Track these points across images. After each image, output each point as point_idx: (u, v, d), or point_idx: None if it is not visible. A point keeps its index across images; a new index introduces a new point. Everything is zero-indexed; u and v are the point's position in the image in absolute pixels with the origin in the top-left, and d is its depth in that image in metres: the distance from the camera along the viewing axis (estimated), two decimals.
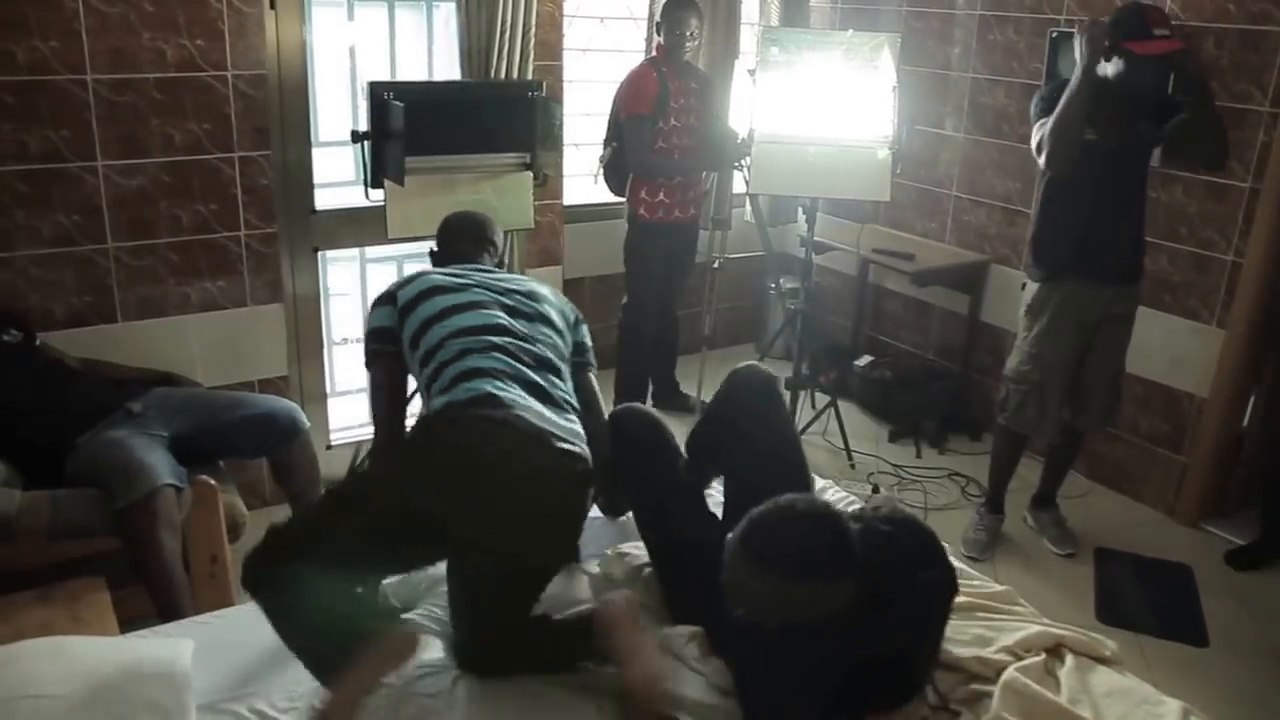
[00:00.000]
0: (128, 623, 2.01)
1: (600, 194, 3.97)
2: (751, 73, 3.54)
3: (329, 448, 3.48)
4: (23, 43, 2.60)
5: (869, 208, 4.43)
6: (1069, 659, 1.88)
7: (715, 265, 4.02)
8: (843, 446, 3.88)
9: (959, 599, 2.03)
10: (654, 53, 3.84)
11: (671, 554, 1.96)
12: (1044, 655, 1.88)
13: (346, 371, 3.79)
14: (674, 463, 2.08)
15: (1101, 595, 3.06)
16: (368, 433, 3.58)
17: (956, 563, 2.21)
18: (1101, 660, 1.90)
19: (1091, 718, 1.72)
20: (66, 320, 2.82)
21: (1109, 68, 2.80)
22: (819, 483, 2.40)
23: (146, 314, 2.94)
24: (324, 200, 3.33)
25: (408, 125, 2.78)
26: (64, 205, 2.75)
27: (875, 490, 3.59)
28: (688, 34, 3.64)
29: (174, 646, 1.72)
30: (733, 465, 2.06)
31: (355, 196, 3.22)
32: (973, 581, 2.12)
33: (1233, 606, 3.03)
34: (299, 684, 1.72)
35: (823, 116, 3.49)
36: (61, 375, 2.54)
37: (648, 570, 2.03)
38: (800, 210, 4.22)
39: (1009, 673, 1.80)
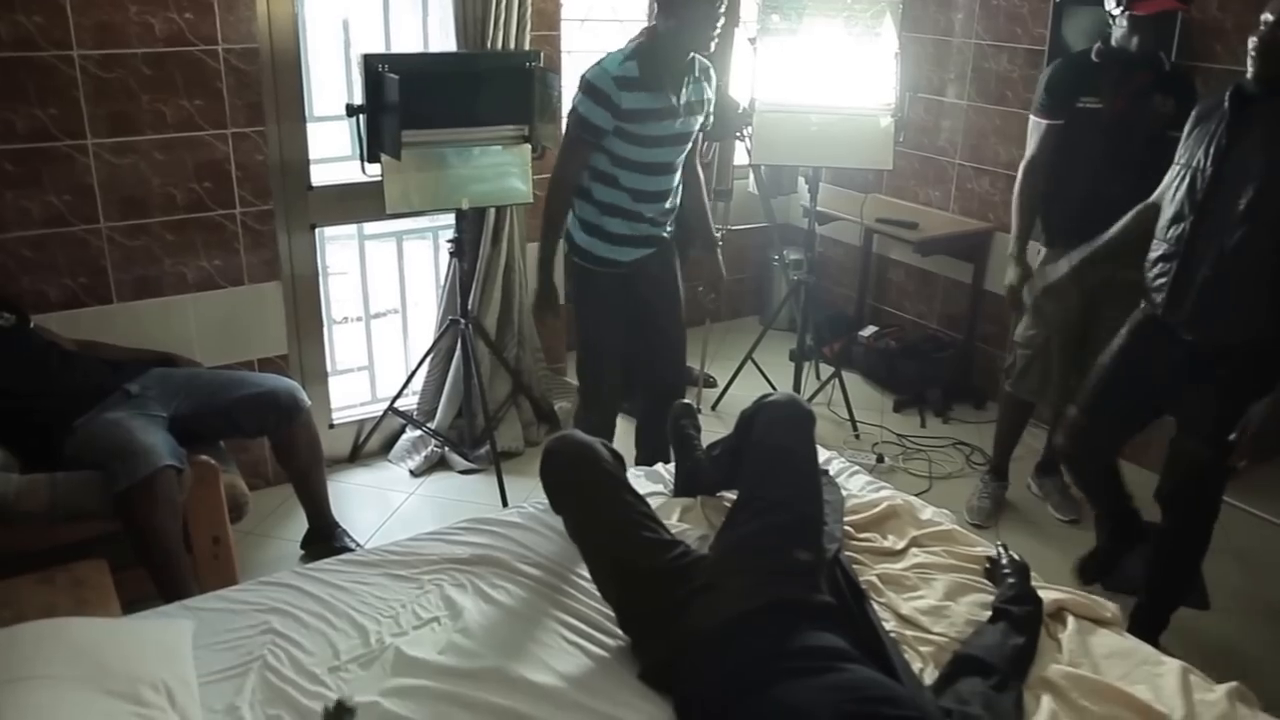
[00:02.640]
0: (131, 604, 2.00)
1: None
2: (752, 41, 3.49)
3: (331, 427, 3.46)
4: (5, 18, 2.54)
5: (872, 177, 4.39)
6: (1070, 622, 1.88)
7: (719, 241, 3.97)
8: (847, 417, 3.86)
9: (946, 560, 2.06)
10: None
11: (620, 578, 1.84)
12: (1045, 619, 1.88)
13: (347, 350, 3.77)
14: (613, 489, 1.92)
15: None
16: (369, 411, 3.59)
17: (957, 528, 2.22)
18: (1102, 623, 1.89)
19: (1092, 675, 1.72)
20: (61, 302, 2.79)
21: (1116, 32, 2.75)
22: (823, 454, 2.37)
23: (142, 294, 2.91)
24: (320, 176, 3.28)
25: (403, 98, 2.74)
26: (54, 185, 2.71)
27: (880, 460, 3.58)
28: None
29: (176, 626, 1.71)
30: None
31: (352, 172, 3.18)
32: (973, 548, 2.11)
33: (1234, 570, 3.02)
34: (302, 658, 1.71)
35: (824, 85, 3.45)
36: (57, 358, 2.50)
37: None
38: (802, 180, 4.18)
39: None
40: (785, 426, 2.01)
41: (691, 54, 2.62)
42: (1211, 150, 2.28)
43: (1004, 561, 2.00)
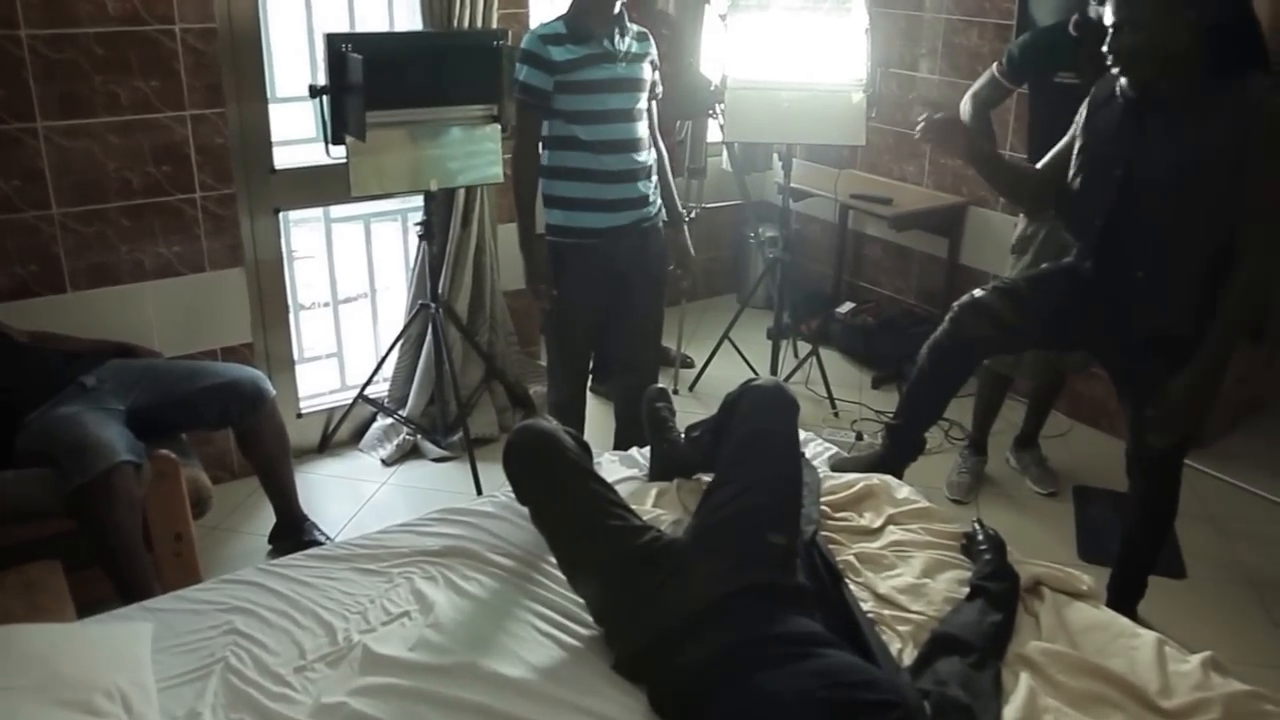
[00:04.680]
0: (89, 607, 1.92)
1: None
2: (723, 17, 3.44)
3: (299, 416, 3.39)
4: None
5: (845, 153, 4.35)
6: (1047, 596, 1.87)
7: (691, 215, 3.92)
8: (825, 395, 3.84)
9: (924, 537, 2.04)
10: None
11: (588, 569, 1.80)
12: (1023, 595, 1.87)
13: (315, 337, 3.69)
14: (577, 478, 1.86)
15: (1082, 532, 3.06)
16: (338, 399, 3.52)
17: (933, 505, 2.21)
18: (1078, 595, 1.88)
19: (1069, 650, 1.72)
20: (11, 292, 2.69)
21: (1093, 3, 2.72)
22: (801, 434, 2.34)
23: (98, 282, 2.82)
24: (284, 159, 3.20)
25: (368, 78, 2.67)
26: (2, 169, 2.62)
27: (859, 438, 3.55)
28: None
29: (133, 629, 1.66)
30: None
31: (316, 154, 3.10)
32: (950, 524, 2.10)
33: (1210, 538, 3.04)
34: (266, 659, 1.66)
35: (796, 61, 3.41)
36: (8, 350, 2.41)
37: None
38: (776, 157, 4.13)
39: None
40: (768, 411, 1.98)
41: (619, 6, 2.62)
42: (1119, 153, 2.15)
43: (980, 537, 1.99)
